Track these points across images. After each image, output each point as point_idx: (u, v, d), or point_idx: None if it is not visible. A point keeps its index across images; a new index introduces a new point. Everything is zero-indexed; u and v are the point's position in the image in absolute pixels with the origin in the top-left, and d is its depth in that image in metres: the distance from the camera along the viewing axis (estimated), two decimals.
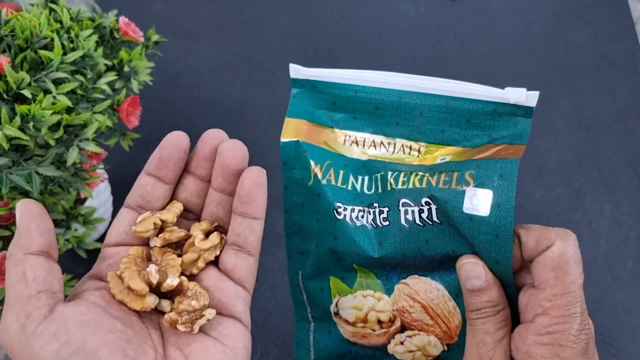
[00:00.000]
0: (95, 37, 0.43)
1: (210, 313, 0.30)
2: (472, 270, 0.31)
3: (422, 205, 0.32)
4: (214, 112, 0.65)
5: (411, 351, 0.36)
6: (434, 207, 0.32)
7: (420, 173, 0.33)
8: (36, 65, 0.40)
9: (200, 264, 0.32)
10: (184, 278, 0.31)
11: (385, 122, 0.34)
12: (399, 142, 0.34)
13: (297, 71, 0.36)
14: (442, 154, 0.33)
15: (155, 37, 0.51)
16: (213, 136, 0.32)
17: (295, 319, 0.41)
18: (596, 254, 0.56)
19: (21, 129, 0.37)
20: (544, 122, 0.64)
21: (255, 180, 0.31)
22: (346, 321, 0.37)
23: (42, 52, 0.40)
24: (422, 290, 0.34)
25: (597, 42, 0.69)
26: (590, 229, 0.57)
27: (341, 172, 0.35)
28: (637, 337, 0.52)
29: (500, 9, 0.72)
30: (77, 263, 0.57)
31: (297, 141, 0.36)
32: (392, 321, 0.36)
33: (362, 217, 0.34)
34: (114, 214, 0.59)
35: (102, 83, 0.43)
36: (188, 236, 0.32)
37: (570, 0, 0.72)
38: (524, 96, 0.31)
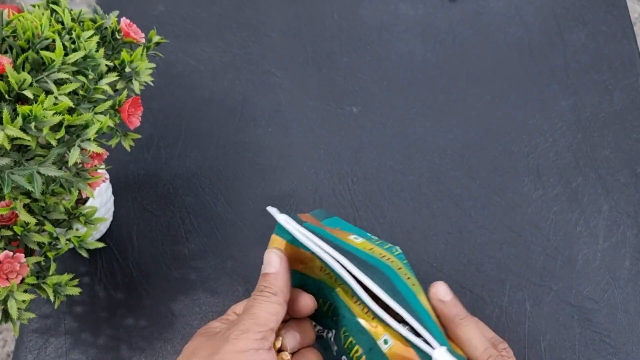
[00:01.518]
0: (96, 38, 0.44)
1: None
2: None
3: None
4: (215, 112, 0.65)
5: None
6: None
7: (355, 342, 0.40)
8: (38, 66, 0.40)
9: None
10: None
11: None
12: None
13: (275, 214, 0.41)
14: (387, 334, 0.38)
15: (156, 38, 0.51)
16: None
17: None
18: (594, 253, 0.56)
19: (23, 129, 0.37)
20: (542, 123, 0.64)
21: None
22: None
23: (43, 53, 0.40)
24: None
25: (595, 43, 0.69)
26: (588, 228, 0.58)
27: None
28: (636, 336, 0.53)
29: (498, 10, 0.72)
30: (78, 262, 0.57)
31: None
32: None
33: (322, 333, 0.44)
34: (116, 214, 0.59)
35: (104, 84, 0.43)
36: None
37: (568, 1, 0.72)
38: None
